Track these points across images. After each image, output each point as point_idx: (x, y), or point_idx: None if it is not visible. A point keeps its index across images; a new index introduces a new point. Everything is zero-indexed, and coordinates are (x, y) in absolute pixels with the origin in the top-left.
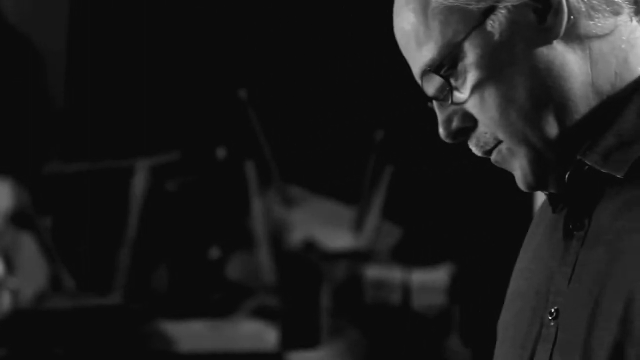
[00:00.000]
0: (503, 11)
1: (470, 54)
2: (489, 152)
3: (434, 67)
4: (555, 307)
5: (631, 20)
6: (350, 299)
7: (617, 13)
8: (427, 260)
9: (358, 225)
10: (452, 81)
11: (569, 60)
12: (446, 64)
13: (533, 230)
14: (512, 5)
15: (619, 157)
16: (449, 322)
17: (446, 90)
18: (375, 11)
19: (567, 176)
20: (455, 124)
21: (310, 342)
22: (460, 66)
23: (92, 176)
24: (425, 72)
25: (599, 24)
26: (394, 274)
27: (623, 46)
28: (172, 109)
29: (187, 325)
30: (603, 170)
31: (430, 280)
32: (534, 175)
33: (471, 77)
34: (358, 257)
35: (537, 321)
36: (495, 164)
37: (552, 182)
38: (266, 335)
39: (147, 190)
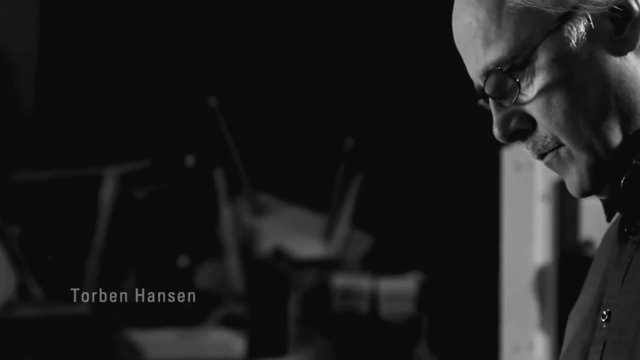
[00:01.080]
0: (581, 18)
1: (543, 57)
2: (545, 155)
3: (504, 67)
4: (608, 310)
5: None
6: (318, 307)
7: None
8: (395, 269)
9: (328, 233)
10: (518, 82)
11: (638, 73)
12: (516, 65)
13: (597, 252)
14: (591, 14)
15: None
16: (417, 331)
17: (509, 91)
18: (347, 19)
19: (623, 180)
20: (513, 124)
21: (277, 350)
22: (528, 68)
23: (60, 184)
24: (492, 70)
25: None
26: (362, 283)
27: None
28: (141, 117)
29: (155, 334)
30: None
31: (399, 289)
32: (591, 181)
33: (540, 80)
34: (327, 265)
35: (591, 324)
36: (548, 167)
37: (606, 188)
38: (234, 344)
39: (115, 199)
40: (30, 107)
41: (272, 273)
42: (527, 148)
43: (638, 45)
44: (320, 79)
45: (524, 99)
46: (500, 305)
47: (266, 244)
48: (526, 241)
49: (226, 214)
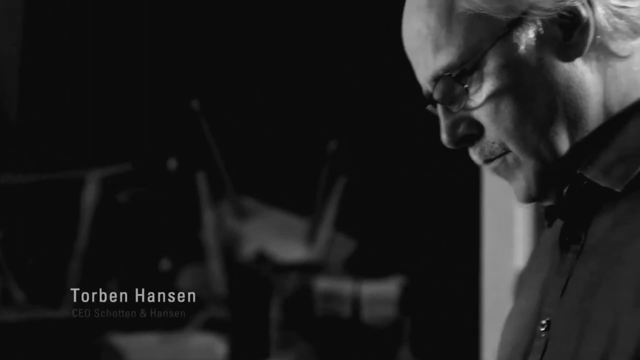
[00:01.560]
0: (530, 24)
1: (492, 62)
2: (491, 160)
3: (453, 72)
4: (547, 319)
5: None
6: (300, 311)
7: (637, 35)
8: (377, 272)
9: (311, 237)
10: (467, 87)
11: (587, 79)
12: (465, 71)
13: (535, 252)
14: (541, 19)
15: (618, 172)
16: (399, 334)
17: (458, 97)
18: (329, 22)
19: (565, 190)
20: (461, 130)
21: (259, 354)
22: (477, 74)
23: (42, 188)
24: (440, 76)
25: (620, 46)
26: (344, 286)
27: (635, 68)
28: (123, 120)
29: (137, 338)
30: (602, 185)
31: (381, 293)
32: (538, 187)
33: (489, 85)
34: (310, 269)
35: (530, 333)
36: (494, 172)
37: (552, 195)
38: (216, 348)
39: (97, 202)
40: (12, 110)
41: (254, 277)
42: (475, 154)
43: (585, 51)
44: (304, 82)
45: (473, 104)
46: (482, 309)
47: (249, 248)
48: (507, 245)
49: (208, 217)
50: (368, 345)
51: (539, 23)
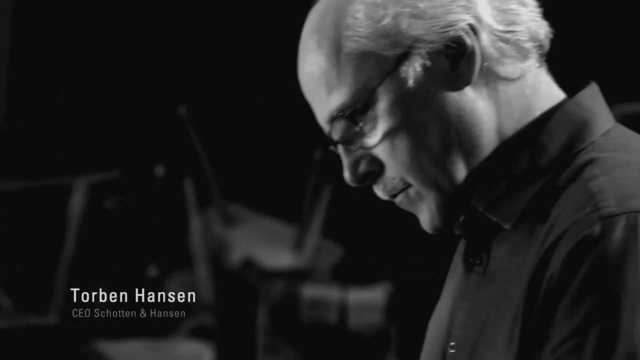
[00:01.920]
0: (417, 57)
1: (383, 99)
2: (395, 195)
3: (345, 112)
4: (453, 343)
5: (537, 66)
6: (287, 318)
7: (525, 58)
8: (364, 279)
9: (298, 244)
10: (363, 126)
11: (478, 107)
12: (358, 109)
13: (449, 274)
14: (426, 52)
15: (508, 205)
16: (386, 342)
17: (355, 136)
18: None
19: (462, 219)
20: (362, 168)
21: None
22: (371, 111)
23: (30, 194)
24: (335, 117)
25: (509, 70)
26: (331, 293)
27: (527, 92)
28: (110, 127)
29: (125, 345)
30: (493, 219)
31: (368, 300)
32: (442, 217)
33: (383, 122)
34: (297, 276)
35: (442, 351)
36: (400, 206)
37: (457, 224)
38: (203, 355)
39: (85, 209)
40: (0, 117)
41: (241, 283)
42: (379, 190)
43: (474, 79)
44: (291, 90)
45: (370, 142)
46: None
47: (236, 254)
48: None
49: (196, 224)
50: (355, 351)
51: (426, 56)
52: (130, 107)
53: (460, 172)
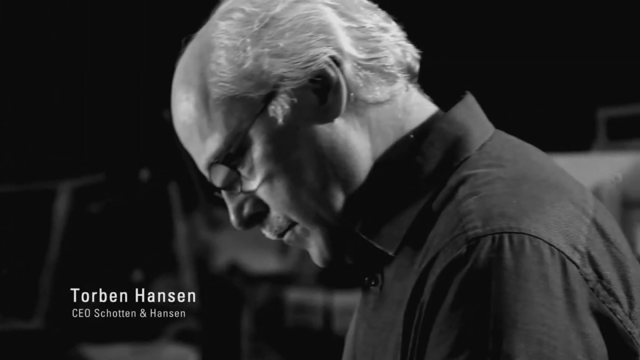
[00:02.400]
0: (284, 95)
1: (257, 141)
2: (283, 234)
3: (221, 158)
4: None
5: (407, 89)
6: (272, 322)
7: (393, 82)
8: (349, 284)
9: (283, 248)
10: (240, 170)
11: (351, 137)
12: (233, 154)
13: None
14: (292, 89)
15: (389, 231)
16: None
17: (235, 180)
18: None
19: (349, 250)
20: (247, 211)
21: None
22: (247, 154)
23: (15, 198)
24: (212, 164)
25: (377, 96)
26: (316, 297)
27: (399, 115)
28: (95, 131)
29: (110, 350)
30: (377, 246)
31: (353, 303)
32: (330, 250)
33: (259, 164)
34: (282, 280)
35: None
36: (290, 244)
37: (348, 253)
38: (189, 359)
39: (70, 213)
40: None
41: (226, 288)
42: (266, 231)
43: (343, 110)
44: None
45: (251, 185)
46: None
47: (221, 259)
48: None
49: (181, 228)
50: (339, 356)
51: (292, 93)
52: (116, 112)
53: (341, 204)
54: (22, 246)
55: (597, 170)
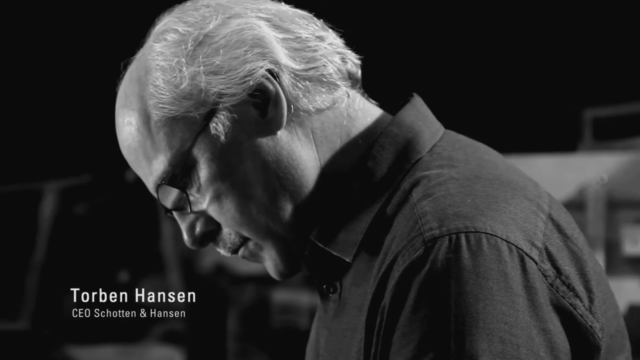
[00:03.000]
0: (224, 112)
1: (201, 159)
2: (237, 250)
3: (167, 179)
4: None
5: (348, 96)
6: (258, 322)
7: (333, 90)
8: None
9: None
10: (189, 190)
11: (295, 148)
12: (179, 174)
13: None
14: (232, 105)
15: (345, 237)
16: None
17: (184, 200)
18: None
19: (305, 258)
20: (199, 229)
21: None
22: (193, 173)
23: (0, 199)
24: (159, 185)
25: (318, 104)
26: (302, 298)
27: (344, 122)
28: (81, 131)
29: (96, 350)
30: (334, 254)
31: None
32: (285, 263)
33: (206, 182)
34: (268, 281)
35: None
36: (245, 259)
37: (303, 264)
38: None
39: (56, 214)
40: None
41: (212, 288)
42: (220, 248)
43: (284, 121)
44: None
45: (200, 204)
46: None
47: (208, 260)
48: None
49: (167, 229)
50: None
51: (232, 109)
52: (101, 112)
53: (291, 215)
54: (8, 247)
55: (583, 170)
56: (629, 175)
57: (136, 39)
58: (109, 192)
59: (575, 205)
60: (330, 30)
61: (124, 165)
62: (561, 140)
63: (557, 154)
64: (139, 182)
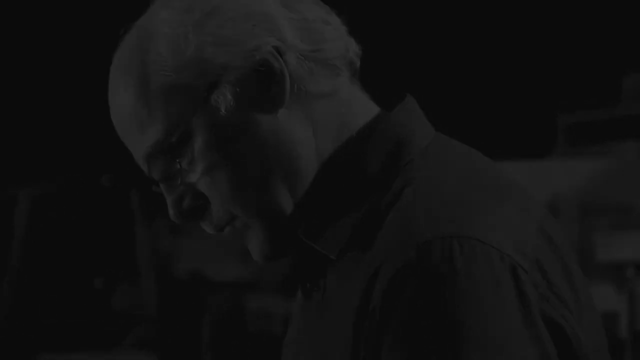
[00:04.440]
0: (227, 85)
1: (198, 131)
2: (223, 228)
3: (161, 149)
4: None
5: (350, 84)
6: (233, 328)
7: (336, 75)
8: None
9: (245, 255)
10: (181, 161)
11: (295, 128)
12: (174, 144)
13: (298, 295)
14: (236, 78)
15: (332, 234)
16: None
17: (175, 171)
18: None
19: (294, 254)
20: (186, 203)
21: None
22: (188, 145)
23: None
24: (151, 155)
25: (321, 87)
26: (277, 304)
27: (342, 110)
28: (55, 137)
29: (69, 357)
30: (319, 249)
31: None
32: (270, 246)
33: (200, 154)
34: (243, 286)
35: None
36: (230, 237)
37: (289, 250)
38: None
39: (30, 220)
40: None
41: (187, 295)
42: (205, 225)
43: (286, 100)
44: None
45: (191, 176)
46: None
47: (183, 266)
48: None
49: (142, 235)
50: None
51: (235, 83)
52: (75, 118)
53: (283, 197)
54: None
55: (556, 176)
56: (602, 181)
57: (107, 50)
58: (84, 198)
59: (548, 211)
60: (335, 16)
61: (99, 170)
62: (535, 146)
63: (531, 159)
64: (114, 189)
